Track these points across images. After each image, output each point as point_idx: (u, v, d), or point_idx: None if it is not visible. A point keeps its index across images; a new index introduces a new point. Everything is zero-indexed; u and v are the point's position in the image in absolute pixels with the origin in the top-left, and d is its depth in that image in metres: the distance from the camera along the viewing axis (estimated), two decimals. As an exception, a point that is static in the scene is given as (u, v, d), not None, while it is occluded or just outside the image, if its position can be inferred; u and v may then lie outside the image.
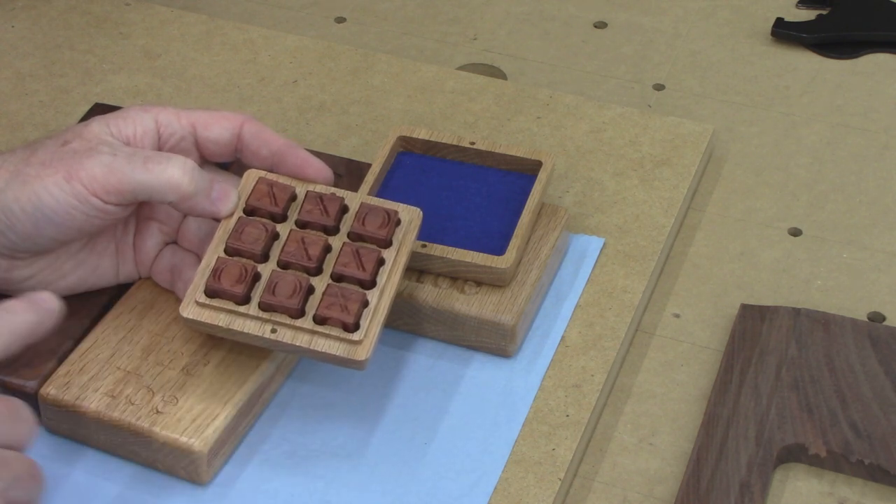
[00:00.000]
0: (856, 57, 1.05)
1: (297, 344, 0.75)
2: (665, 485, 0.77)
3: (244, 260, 0.77)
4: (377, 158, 0.87)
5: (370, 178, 0.85)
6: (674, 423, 0.80)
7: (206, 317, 0.76)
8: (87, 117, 0.93)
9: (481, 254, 0.82)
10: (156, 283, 0.83)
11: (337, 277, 0.77)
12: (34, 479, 0.67)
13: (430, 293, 0.82)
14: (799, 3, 1.10)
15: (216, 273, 0.76)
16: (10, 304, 0.69)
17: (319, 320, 0.75)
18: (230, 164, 0.85)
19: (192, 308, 0.76)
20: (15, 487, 0.65)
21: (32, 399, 0.77)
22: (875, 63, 1.05)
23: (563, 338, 0.83)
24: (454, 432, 0.79)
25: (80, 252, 0.80)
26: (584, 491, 0.77)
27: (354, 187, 0.86)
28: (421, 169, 0.88)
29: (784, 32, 1.06)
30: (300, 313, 0.76)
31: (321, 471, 0.77)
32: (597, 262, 0.87)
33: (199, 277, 0.77)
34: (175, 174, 0.76)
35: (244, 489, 0.76)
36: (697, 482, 0.76)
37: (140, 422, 0.75)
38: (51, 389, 0.77)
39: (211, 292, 0.76)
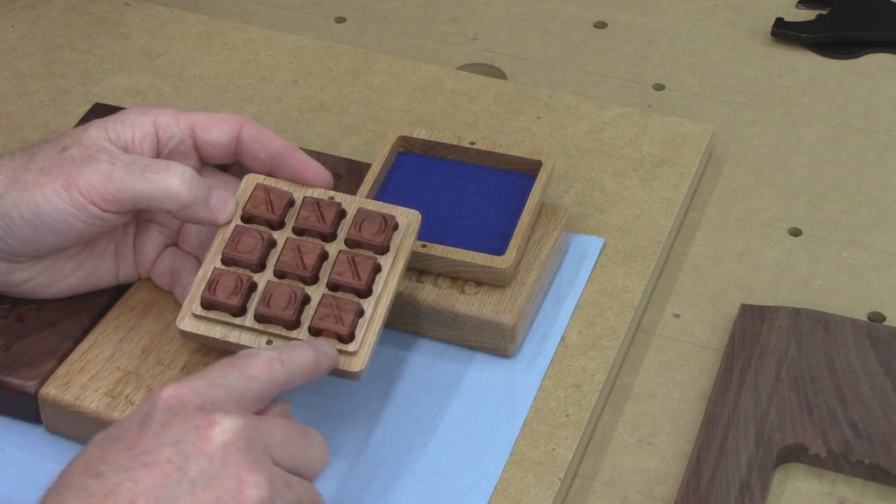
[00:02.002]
0: (856, 57, 1.05)
1: None
2: (665, 485, 0.77)
3: (240, 270, 0.77)
4: (377, 158, 0.87)
5: (370, 178, 0.85)
6: (674, 423, 0.80)
7: (203, 329, 0.76)
8: (87, 117, 0.93)
9: (481, 254, 0.82)
10: (156, 283, 0.83)
11: (333, 286, 0.77)
12: None
13: (430, 293, 0.82)
14: (799, 3, 1.10)
15: (212, 285, 0.76)
16: (293, 342, 0.72)
17: (314, 332, 0.75)
18: (230, 164, 0.85)
19: (189, 320, 0.76)
20: None
21: (32, 399, 0.77)
22: (875, 63, 1.05)
23: (563, 338, 0.83)
24: (454, 432, 0.79)
25: (79, 254, 0.80)
26: (584, 491, 0.77)
27: (354, 187, 0.86)
28: (421, 169, 0.88)
29: (784, 32, 1.06)
30: (295, 324, 0.76)
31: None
32: (597, 262, 0.87)
33: (196, 289, 0.77)
34: (173, 183, 0.76)
35: (244, 489, 0.76)
36: (697, 482, 0.76)
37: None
38: (51, 389, 0.77)
39: (207, 304, 0.76)
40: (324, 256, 0.78)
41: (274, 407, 0.70)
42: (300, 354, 0.71)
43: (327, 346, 0.74)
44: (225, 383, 0.67)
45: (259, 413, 0.69)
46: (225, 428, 0.64)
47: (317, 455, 0.68)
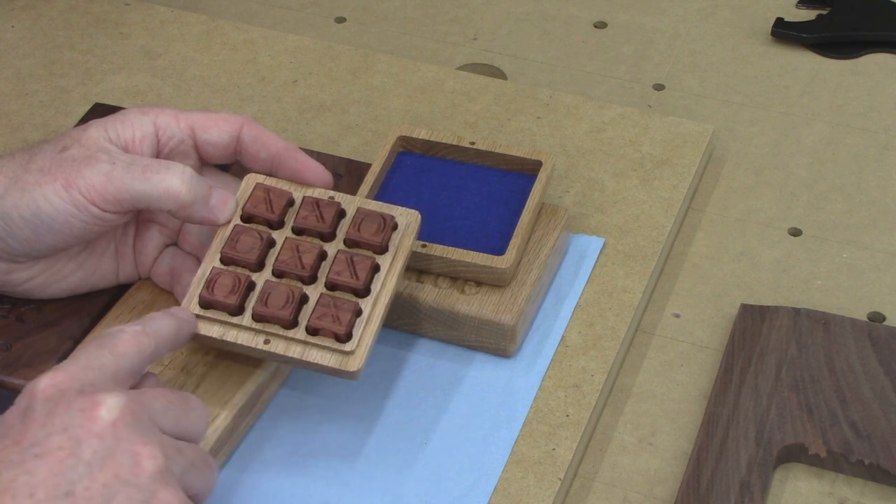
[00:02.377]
0: (856, 57, 1.05)
1: (290, 355, 0.75)
2: (665, 485, 0.77)
3: (239, 269, 0.77)
4: (377, 158, 0.87)
5: (370, 178, 0.85)
6: (674, 423, 0.80)
7: (201, 328, 0.76)
8: (87, 117, 0.93)
9: (481, 254, 0.82)
10: (156, 283, 0.83)
11: (331, 286, 0.77)
12: (208, 466, 0.68)
13: (430, 293, 0.82)
14: (799, 3, 1.10)
15: (210, 284, 0.76)
16: (150, 314, 0.73)
17: (311, 331, 0.75)
18: (230, 164, 0.85)
19: None
20: (190, 473, 0.67)
21: (32, 399, 0.77)
22: (875, 63, 1.05)
23: (563, 338, 0.83)
24: (454, 432, 0.79)
25: (79, 254, 0.80)
26: (584, 491, 0.77)
27: (354, 187, 0.86)
28: (421, 169, 0.88)
29: (784, 32, 1.06)
30: (293, 324, 0.76)
31: (321, 471, 0.77)
32: (597, 262, 0.87)
33: (194, 288, 0.77)
34: (173, 183, 0.76)
35: (244, 489, 0.76)
36: (697, 482, 0.76)
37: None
38: (51, 389, 0.77)
39: (205, 303, 0.76)
40: (322, 256, 0.78)
41: (146, 380, 0.71)
42: (162, 325, 0.72)
43: (186, 313, 0.75)
44: (98, 364, 0.68)
45: (134, 387, 0.69)
46: (110, 406, 0.65)
47: (198, 417, 0.69)
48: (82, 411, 0.64)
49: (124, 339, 0.69)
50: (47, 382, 0.66)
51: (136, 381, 0.70)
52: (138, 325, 0.71)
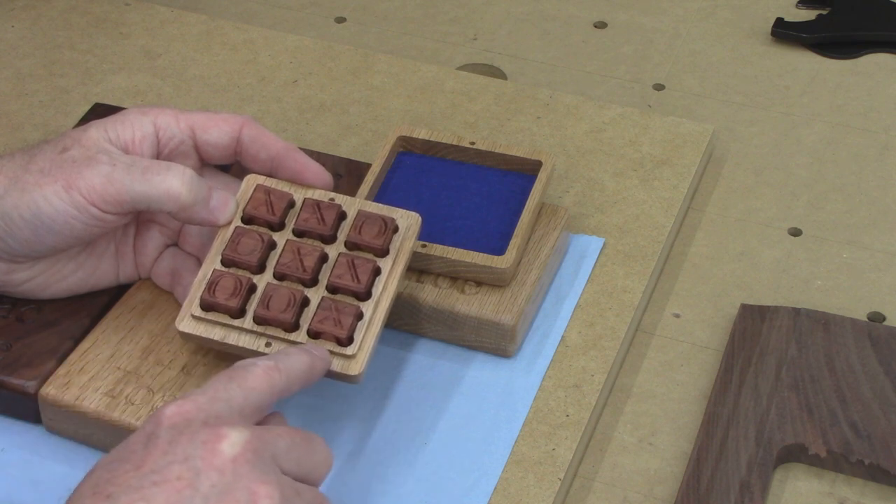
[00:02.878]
0: (856, 57, 1.05)
1: None
2: (665, 485, 0.77)
3: (240, 272, 0.77)
4: (377, 158, 0.87)
5: (370, 179, 0.85)
6: (674, 423, 0.80)
7: (202, 330, 0.76)
8: (87, 117, 0.93)
9: (481, 254, 0.82)
10: (156, 284, 0.83)
11: (332, 289, 0.77)
12: None
13: (430, 293, 0.82)
14: (799, 3, 1.10)
15: (211, 286, 0.76)
16: (284, 349, 0.73)
17: (313, 334, 0.75)
18: (231, 165, 0.85)
19: (188, 322, 0.76)
20: None
21: (32, 399, 0.77)
22: (875, 63, 1.05)
23: (563, 338, 0.83)
24: (454, 432, 0.79)
25: (79, 255, 0.80)
26: (584, 491, 0.77)
27: (355, 187, 0.86)
28: (421, 169, 0.88)
29: (784, 32, 1.06)
30: (294, 327, 0.76)
31: (321, 471, 0.77)
32: (597, 262, 0.87)
33: (195, 290, 0.77)
34: (174, 185, 0.76)
35: (244, 489, 0.76)
36: (697, 482, 0.76)
37: (140, 422, 0.75)
38: (51, 389, 0.77)
39: (206, 306, 0.76)
40: (323, 259, 0.78)
41: (272, 418, 0.70)
42: (296, 361, 0.71)
43: (320, 350, 0.74)
44: (226, 396, 0.67)
45: (260, 423, 0.69)
46: (233, 441, 0.64)
47: (321, 460, 0.68)
48: (205, 443, 0.64)
49: (255, 374, 0.68)
50: (174, 410, 0.65)
51: (263, 416, 0.69)
52: (271, 359, 0.70)
